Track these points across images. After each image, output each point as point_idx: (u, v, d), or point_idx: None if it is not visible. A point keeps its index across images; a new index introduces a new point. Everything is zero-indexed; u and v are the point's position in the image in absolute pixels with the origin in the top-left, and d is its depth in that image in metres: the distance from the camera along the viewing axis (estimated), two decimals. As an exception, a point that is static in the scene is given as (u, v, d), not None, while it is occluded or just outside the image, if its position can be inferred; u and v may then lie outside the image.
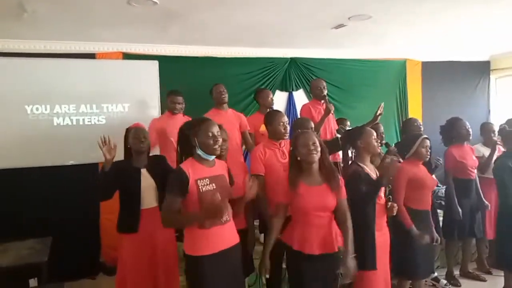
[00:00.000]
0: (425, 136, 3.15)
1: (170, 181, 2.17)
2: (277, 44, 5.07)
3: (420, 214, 3.04)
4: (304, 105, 4.22)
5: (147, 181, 2.81)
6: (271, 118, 3.00)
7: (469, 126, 3.85)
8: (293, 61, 5.35)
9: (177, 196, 2.14)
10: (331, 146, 3.73)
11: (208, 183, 2.19)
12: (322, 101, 3.93)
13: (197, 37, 4.47)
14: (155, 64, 4.60)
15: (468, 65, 6.49)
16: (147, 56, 4.66)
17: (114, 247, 3.67)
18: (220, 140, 2.27)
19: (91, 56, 4.44)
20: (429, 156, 3.15)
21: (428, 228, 3.08)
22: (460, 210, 3.68)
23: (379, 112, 3.77)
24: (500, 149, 3.90)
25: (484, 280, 3.96)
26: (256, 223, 3.12)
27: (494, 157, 3.83)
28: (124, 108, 4.50)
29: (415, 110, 5.92)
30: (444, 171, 3.88)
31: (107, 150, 2.75)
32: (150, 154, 3.01)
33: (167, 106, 4.06)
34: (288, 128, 3.01)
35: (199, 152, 2.22)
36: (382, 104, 3.82)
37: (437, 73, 6.21)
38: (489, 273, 4.09)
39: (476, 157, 3.94)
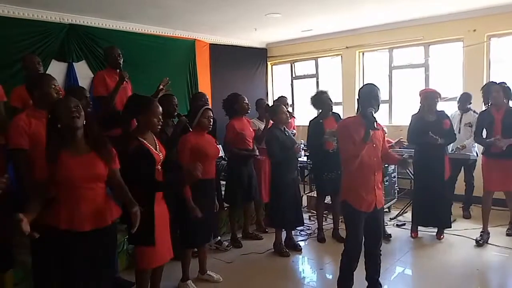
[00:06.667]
0: (207, 106, 3.24)
1: None
2: (51, 6, 4.41)
3: (203, 184, 3.09)
4: (98, 72, 4.03)
5: None
6: (39, 82, 2.51)
7: (248, 101, 4.21)
8: (72, 28, 4.78)
9: None
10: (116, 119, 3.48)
11: None
12: (118, 70, 3.77)
13: None
14: None
15: (249, 51, 7.23)
16: None
17: None
18: None
19: None
20: (211, 126, 3.24)
21: (211, 196, 3.21)
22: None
23: (161, 86, 3.77)
24: (271, 123, 4.40)
25: (261, 239, 4.47)
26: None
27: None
28: None
29: (205, 89, 6.14)
30: (224, 142, 4.15)
31: None
32: None
33: None
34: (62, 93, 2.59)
35: None
36: (166, 78, 3.82)
37: (224, 55, 6.65)
38: (266, 232, 4.63)
39: (253, 130, 4.35)
